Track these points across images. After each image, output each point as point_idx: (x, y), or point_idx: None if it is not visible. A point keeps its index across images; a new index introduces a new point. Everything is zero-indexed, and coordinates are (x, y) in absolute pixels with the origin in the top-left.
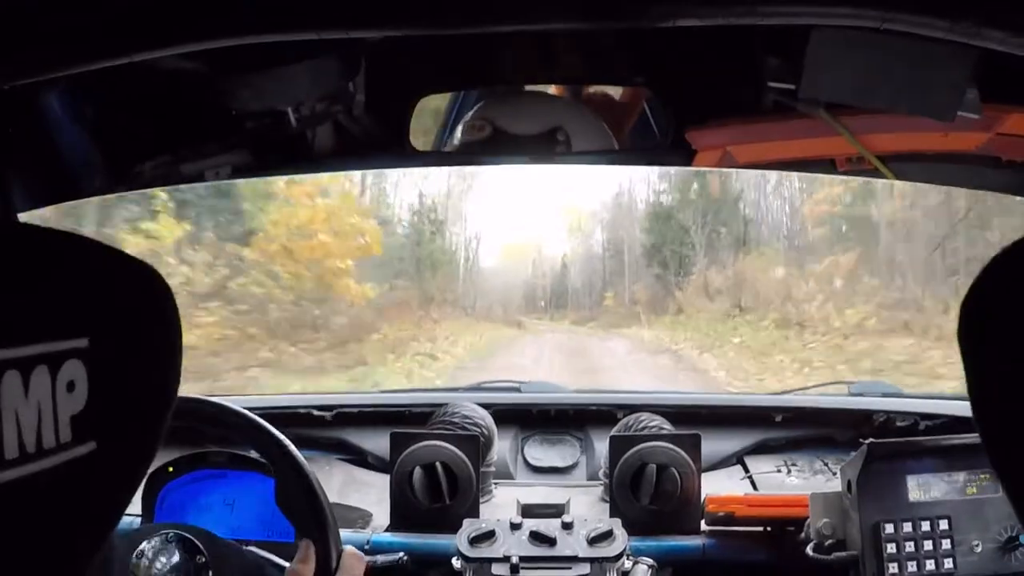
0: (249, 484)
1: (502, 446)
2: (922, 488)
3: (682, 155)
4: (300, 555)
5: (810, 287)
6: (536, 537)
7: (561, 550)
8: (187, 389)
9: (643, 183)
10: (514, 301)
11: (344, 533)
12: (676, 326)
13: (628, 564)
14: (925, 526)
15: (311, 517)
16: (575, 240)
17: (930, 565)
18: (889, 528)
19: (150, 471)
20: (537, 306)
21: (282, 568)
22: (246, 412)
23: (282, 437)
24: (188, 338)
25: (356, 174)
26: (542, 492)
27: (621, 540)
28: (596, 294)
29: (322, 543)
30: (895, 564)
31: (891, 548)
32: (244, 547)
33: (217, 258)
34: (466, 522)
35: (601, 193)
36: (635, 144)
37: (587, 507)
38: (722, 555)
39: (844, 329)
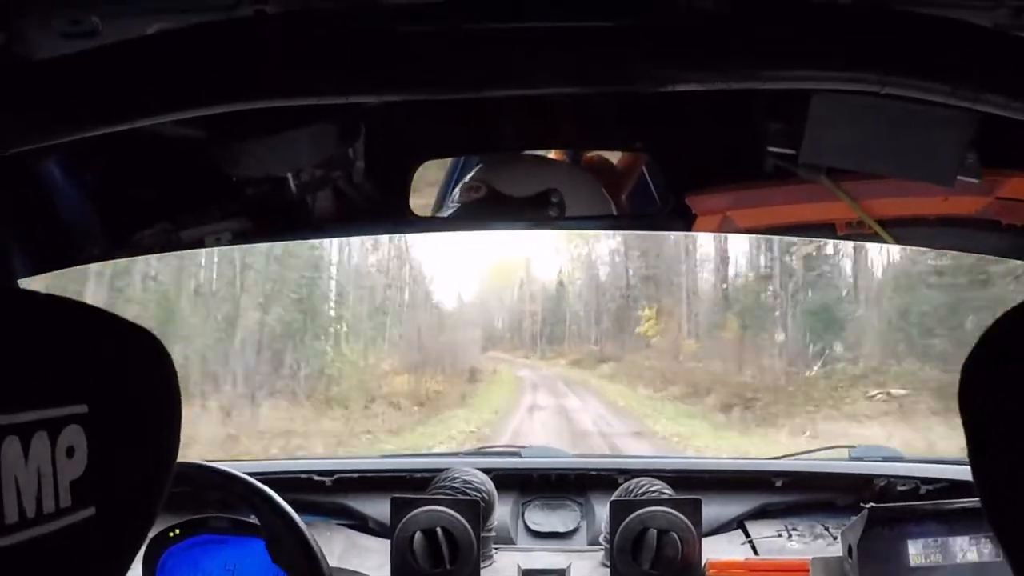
0: (250, 550)
1: (503, 511)
2: (923, 553)
3: (681, 220)
4: None
5: None
6: None
7: None
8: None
9: None
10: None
11: None
12: None
13: None
14: None
15: None
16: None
17: None
18: None
19: (150, 536)
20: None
21: None
22: (247, 478)
23: (283, 503)
24: None
25: None
26: (543, 557)
27: None
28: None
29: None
30: None
31: None
32: None
33: None
34: None
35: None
36: (634, 209)
37: (588, 572)
38: None
39: None
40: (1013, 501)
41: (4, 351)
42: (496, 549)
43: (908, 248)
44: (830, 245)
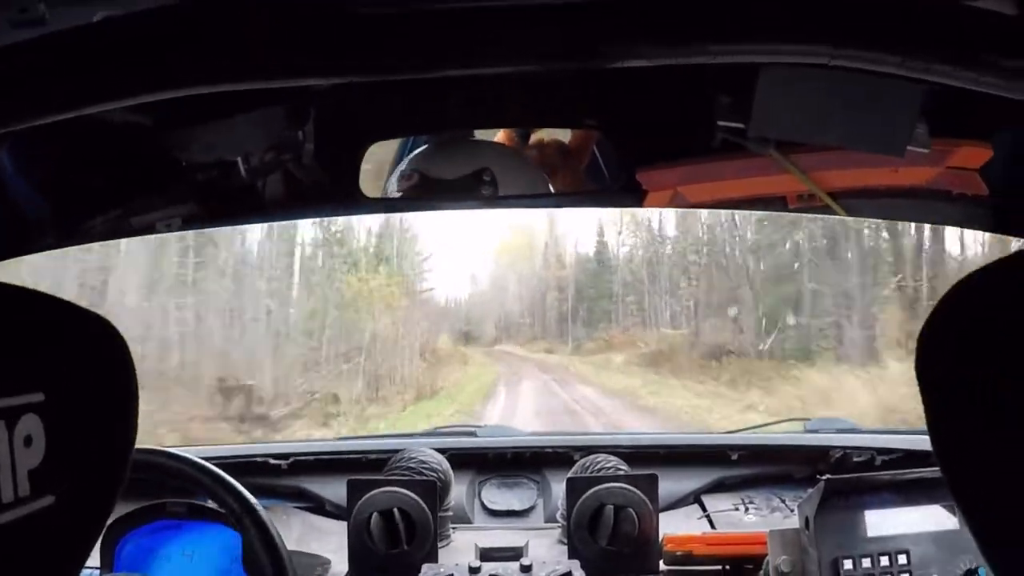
0: (208, 535)
1: (459, 490)
2: (880, 523)
3: (633, 196)
4: None
5: None
6: None
7: None
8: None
9: None
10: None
11: None
12: None
13: None
14: (884, 561)
15: (271, 568)
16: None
17: None
18: (848, 564)
19: (108, 522)
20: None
21: None
22: (204, 463)
23: (240, 487)
24: None
25: None
26: (500, 535)
27: None
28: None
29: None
30: None
31: None
32: None
33: None
34: (425, 567)
35: None
36: (585, 185)
37: (546, 549)
38: None
39: None
40: (972, 469)
41: None
42: (453, 529)
43: None
44: None
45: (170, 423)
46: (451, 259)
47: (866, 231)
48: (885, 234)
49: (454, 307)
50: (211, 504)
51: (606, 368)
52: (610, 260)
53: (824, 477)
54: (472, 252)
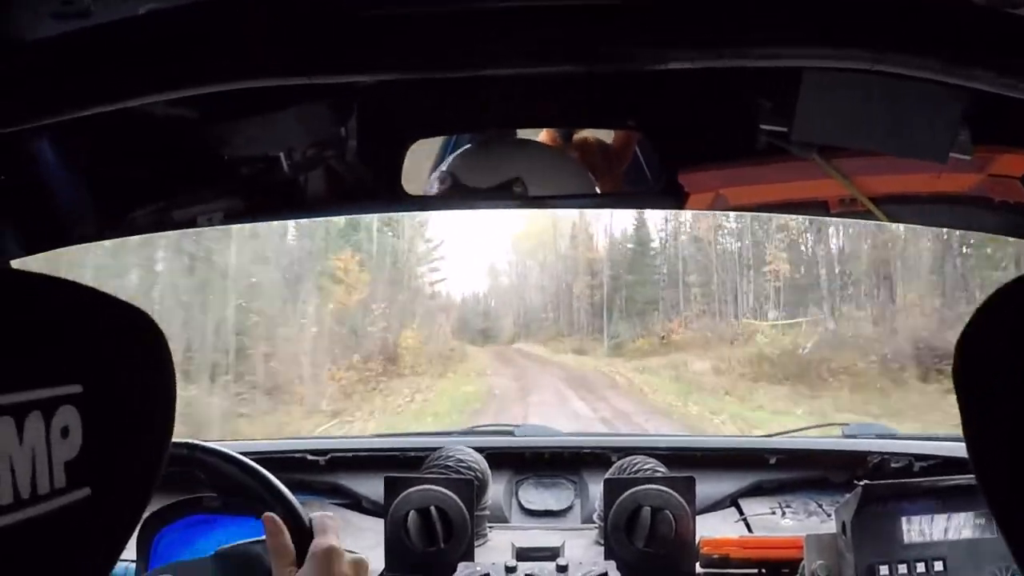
0: (244, 529)
1: (496, 489)
2: (917, 529)
3: (674, 198)
4: (269, 528)
5: None
6: None
7: None
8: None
9: None
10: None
11: None
12: None
13: None
14: (920, 567)
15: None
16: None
17: None
18: (884, 570)
19: (145, 516)
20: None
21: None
22: (242, 458)
23: (278, 483)
24: None
25: None
26: (537, 535)
27: None
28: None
29: (286, 510)
30: None
31: None
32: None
33: None
34: (461, 566)
35: None
36: (627, 187)
37: (582, 550)
38: None
39: None
40: (1009, 477)
41: None
42: (490, 527)
43: None
44: None
45: None
46: (465, 245)
47: None
48: None
49: (461, 300)
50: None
51: (677, 379)
52: (651, 238)
53: (862, 482)
54: (489, 236)
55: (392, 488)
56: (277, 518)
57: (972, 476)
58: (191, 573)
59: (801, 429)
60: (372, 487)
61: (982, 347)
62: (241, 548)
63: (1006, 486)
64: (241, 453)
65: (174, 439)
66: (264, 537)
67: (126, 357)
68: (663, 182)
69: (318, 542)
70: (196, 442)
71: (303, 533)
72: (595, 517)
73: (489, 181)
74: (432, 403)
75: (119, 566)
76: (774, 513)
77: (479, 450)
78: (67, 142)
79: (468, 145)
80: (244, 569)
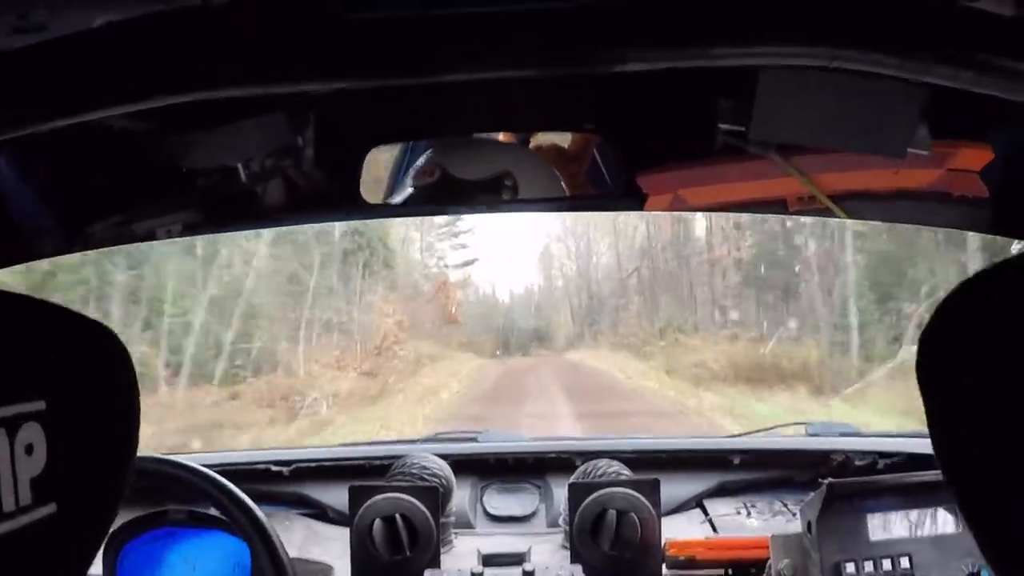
0: (210, 542)
1: (461, 496)
2: (882, 527)
3: (633, 200)
4: None
5: None
6: None
7: None
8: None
9: None
10: None
11: None
12: None
13: None
14: (887, 564)
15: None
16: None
17: None
18: (850, 568)
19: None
20: None
21: None
22: (206, 470)
23: (242, 494)
24: None
25: None
26: (502, 541)
27: None
28: None
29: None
30: None
31: None
32: None
33: None
34: (427, 573)
35: None
36: (586, 189)
37: (548, 555)
38: None
39: None
40: (974, 472)
41: None
42: (456, 534)
43: None
44: None
45: None
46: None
47: None
48: None
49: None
50: (213, 511)
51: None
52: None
53: (826, 481)
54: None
55: (357, 497)
56: None
57: (937, 472)
58: None
59: (765, 428)
60: (337, 496)
61: (944, 343)
62: None
63: (972, 480)
64: (204, 465)
65: (162, 457)
66: None
67: (89, 371)
68: (622, 184)
69: None
70: (162, 455)
71: None
72: (560, 521)
73: (478, 175)
74: None
75: None
76: (739, 513)
77: (443, 457)
78: (25, 157)
79: (428, 151)
80: None
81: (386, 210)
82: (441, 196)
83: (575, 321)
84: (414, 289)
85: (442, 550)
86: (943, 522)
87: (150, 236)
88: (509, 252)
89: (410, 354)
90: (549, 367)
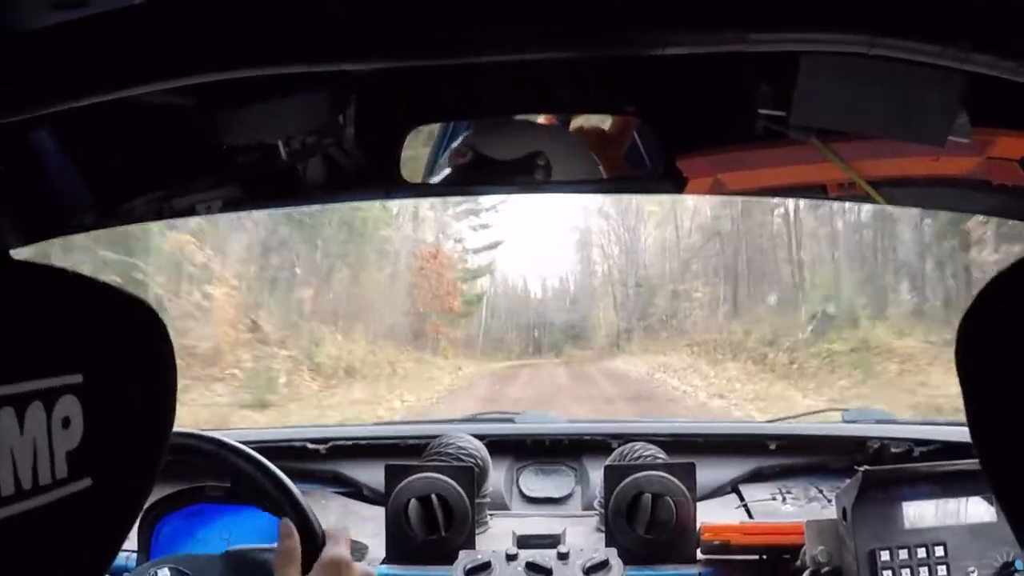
0: (246, 518)
1: (497, 477)
2: (917, 514)
3: (673, 183)
4: (283, 531)
5: None
6: (532, 568)
7: None
8: None
9: None
10: None
11: None
12: None
13: None
14: (921, 552)
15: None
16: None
17: None
18: (885, 555)
19: (146, 506)
20: None
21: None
22: (242, 447)
23: (278, 471)
24: None
25: None
26: (537, 523)
27: (617, 570)
28: None
29: (301, 519)
30: None
31: (887, 575)
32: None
33: None
34: (462, 554)
35: None
36: (626, 172)
37: (583, 537)
38: None
39: None
40: (1012, 461)
41: None
42: (491, 515)
43: None
44: None
45: None
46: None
47: None
48: None
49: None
50: (250, 488)
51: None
52: None
53: (862, 468)
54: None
55: (393, 476)
56: (292, 525)
57: (972, 461)
58: (198, 567)
59: (801, 415)
60: (373, 475)
61: (983, 331)
62: (251, 552)
63: (1009, 469)
64: (241, 442)
65: (197, 432)
66: (273, 545)
67: (127, 347)
68: (662, 167)
69: (328, 552)
70: (198, 431)
71: (315, 542)
72: (596, 504)
73: (511, 155)
74: None
75: (120, 556)
76: (775, 499)
77: (480, 437)
78: (65, 132)
79: (482, 125)
80: (251, 573)
81: (425, 189)
82: (475, 176)
83: (619, 314)
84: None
85: (477, 531)
86: (979, 511)
87: (189, 212)
88: (538, 232)
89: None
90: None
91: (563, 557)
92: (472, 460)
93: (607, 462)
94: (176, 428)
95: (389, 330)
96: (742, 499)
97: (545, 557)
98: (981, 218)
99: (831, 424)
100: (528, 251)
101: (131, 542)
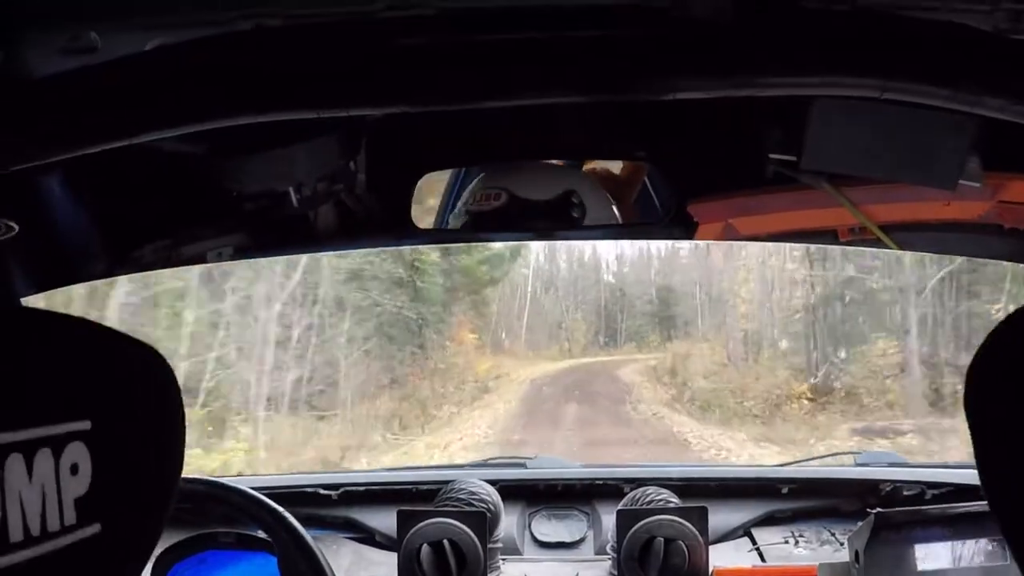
0: (257, 564)
1: (509, 522)
2: (930, 557)
3: (684, 228)
4: None
5: None
6: None
7: None
8: None
9: None
10: None
11: None
12: None
13: None
14: None
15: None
16: None
17: None
18: None
19: (157, 553)
20: None
21: None
22: (254, 493)
23: (289, 517)
24: None
25: None
26: (550, 567)
27: None
28: None
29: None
30: None
31: None
32: None
33: None
34: None
35: None
36: (637, 218)
37: None
38: None
39: None
40: (1022, 503)
41: (6, 368)
42: (503, 560)
43: None
44: None
45: None
46: None
47: None
48: None
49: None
50: (261, 534)
51: None
52: None
53: (874, 511)
54: None
55: (405, 521)
56: None
57: (984, 504)
58: None
59: (813, 458)
60: (385, 521)
61: (992, 375)
62: None
63: (1018, 512)
64: (252, 488)
65: (210, 479)
66: None
67: (135, 392)
68: (672, 212)
69: None
70: (209, 477)
71: None
72: (608, 548)
73: (547, 195)
74: None
75: None
76: (787, 542)
77: (492, 483)
78: (76, 179)
79: (479, 177)
80: None
81: (437, 235)
82: (501, 221)
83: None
84: None
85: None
86: (990, 554)
87: (200, 259)
88: None
89: None
90: None
91: None
92: (484, 505)
93: (619, 506)
94: (188, 474)
95: None
96: (754, 543)
97: None
98: None
99: (843, 467)
100: None
101: None
